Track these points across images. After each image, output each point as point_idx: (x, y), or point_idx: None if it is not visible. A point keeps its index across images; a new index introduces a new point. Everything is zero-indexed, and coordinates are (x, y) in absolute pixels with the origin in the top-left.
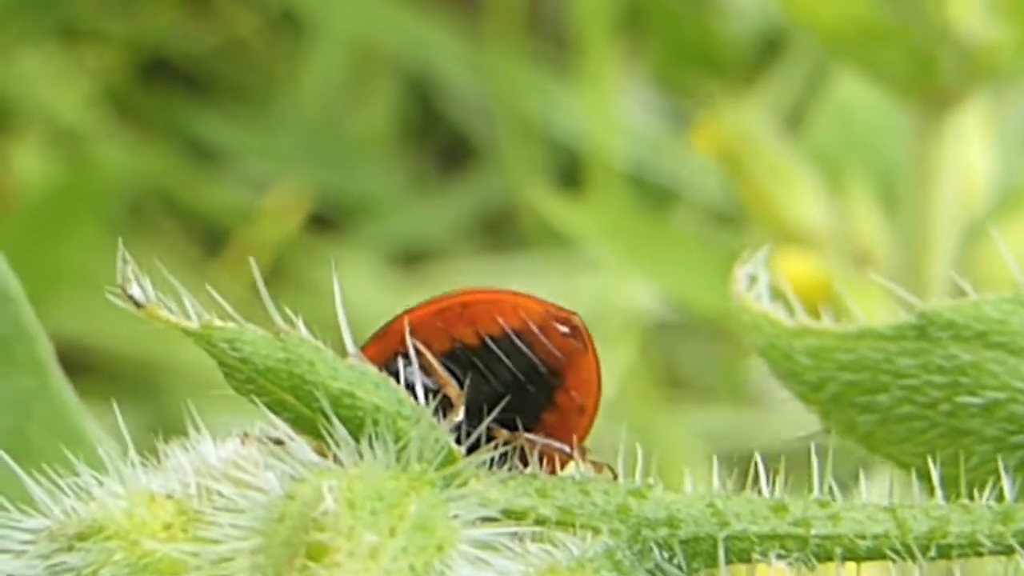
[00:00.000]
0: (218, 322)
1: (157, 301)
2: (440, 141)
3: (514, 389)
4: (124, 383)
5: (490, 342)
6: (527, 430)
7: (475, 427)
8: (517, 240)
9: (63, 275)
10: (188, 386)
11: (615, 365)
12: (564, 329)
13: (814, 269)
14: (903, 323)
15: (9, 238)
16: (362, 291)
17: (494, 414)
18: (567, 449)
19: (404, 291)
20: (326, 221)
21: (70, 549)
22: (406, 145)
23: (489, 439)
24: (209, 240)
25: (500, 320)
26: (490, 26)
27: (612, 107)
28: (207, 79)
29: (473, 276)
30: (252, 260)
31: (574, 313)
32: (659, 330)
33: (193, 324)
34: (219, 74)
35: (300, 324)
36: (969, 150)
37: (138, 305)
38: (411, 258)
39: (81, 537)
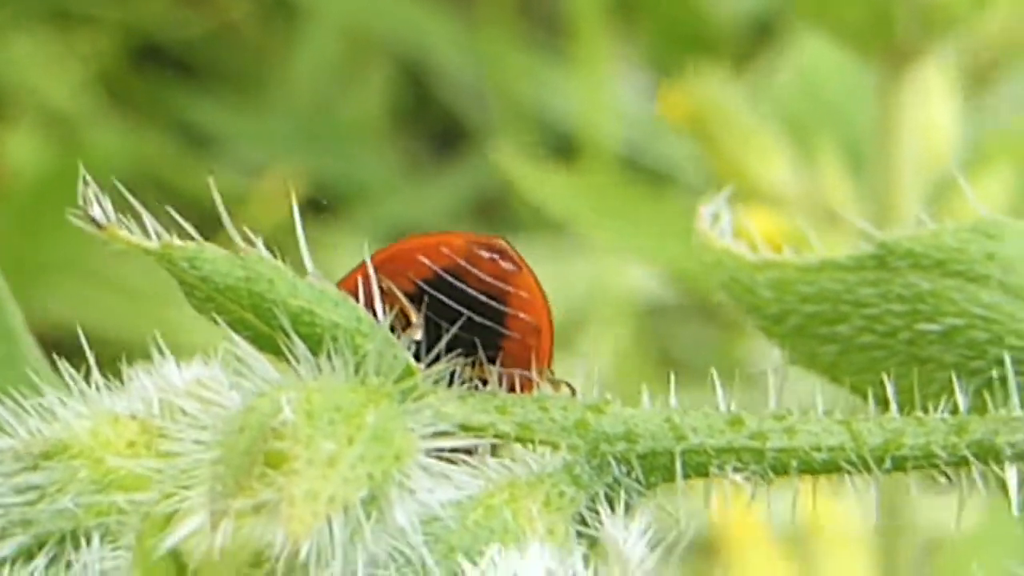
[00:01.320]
0: (178, 241)
1: (118, 222)
2: (433, 125)
3: (465, 325)
4: (117, 368)
5: (426, 286)
6: (490, 362)
7: (437, 371)
8: (510, 223)
9: (56, 260)
10: None
11: (609, 347)
12: (490, 255)
13: (783, 228)
14: (863, 253)
15: (2, 223)
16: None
17: (450, 334)
18: (529, 375)
19: None
20: (320, 205)
21: (35, 468)
22: (399, 129)
23: (452, 378)
24: (202, 225)
25: (427, 262)
26: (483, 10)
27: (605, 90)
28: (200, 64)
29: None
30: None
31: (498, 237)
32: (653, 313)
33: (153, 243)
34: (212, 59)
35: (260, 243)
36: (931, 106)
37: (99, 226)
38: None
39: (46, 456)
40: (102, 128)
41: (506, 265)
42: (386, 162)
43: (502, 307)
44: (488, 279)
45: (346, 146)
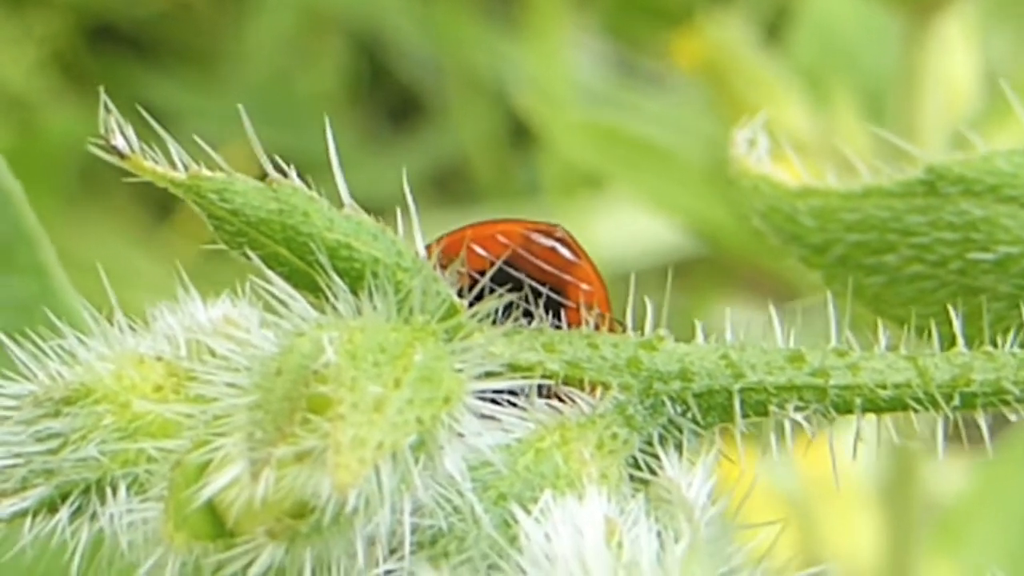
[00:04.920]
0: (207, 172)
1: (141, 151)
2: (390, 98)
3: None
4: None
5: (483, 277)
6: None
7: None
8: (468, 194)
9: None
10: None
11: None
12: (550, 243)
13: (801, 178)
14: (911, 179)
15: None
16: None
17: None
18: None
19: None
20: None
21: (56, 414)
22: (356, 103)
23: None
24: (160, 204)
25: (484, 253)
26: None
27: (561, 59)
28: (154, 42)
29: (426, 232)
30: None
31: (556, 225)
32: (618, 280)
33: (180, 175)
34: (166, 37)
35: (293, 173)
36: (953, 57)
37: (122, 156)
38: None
39: (68, 401)
40: (58, 109)
41: (565, 254)
42: (343, 136)
43: (561, 299)
44: (546, 267)
45: (302, 121)
